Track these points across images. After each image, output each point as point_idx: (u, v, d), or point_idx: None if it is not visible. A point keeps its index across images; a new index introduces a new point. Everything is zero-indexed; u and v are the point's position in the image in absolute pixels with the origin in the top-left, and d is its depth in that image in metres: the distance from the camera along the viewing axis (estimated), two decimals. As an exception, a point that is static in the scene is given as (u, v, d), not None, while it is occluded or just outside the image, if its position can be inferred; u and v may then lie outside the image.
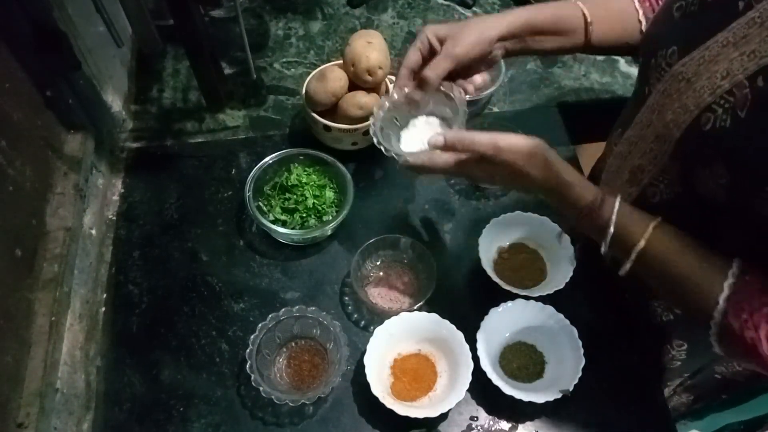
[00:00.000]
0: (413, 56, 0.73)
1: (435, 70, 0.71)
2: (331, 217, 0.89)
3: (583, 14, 0.76)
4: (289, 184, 0.91)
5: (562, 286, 0.82)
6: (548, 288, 0.83)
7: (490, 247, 0.89)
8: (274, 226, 0.86)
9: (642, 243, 0.61)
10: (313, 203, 0.90)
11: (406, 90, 0.75)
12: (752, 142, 0.52)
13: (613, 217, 0.62)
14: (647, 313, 0.82)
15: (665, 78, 0.64)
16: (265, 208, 0.90)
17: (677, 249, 0.61)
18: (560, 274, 0.84)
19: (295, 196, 0.90)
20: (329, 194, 0.92)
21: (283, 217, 0.90)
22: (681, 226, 0.63)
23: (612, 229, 0.62)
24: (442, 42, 0.73)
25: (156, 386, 0.79)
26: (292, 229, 0.88)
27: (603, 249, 0.64)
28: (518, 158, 0.63)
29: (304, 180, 0.91)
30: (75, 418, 0.74)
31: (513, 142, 0.64)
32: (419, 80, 0.73)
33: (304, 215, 0.90)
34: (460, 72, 0.75)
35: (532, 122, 1.06)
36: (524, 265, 0.89)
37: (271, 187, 0.93)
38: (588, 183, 0.65)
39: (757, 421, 0.90)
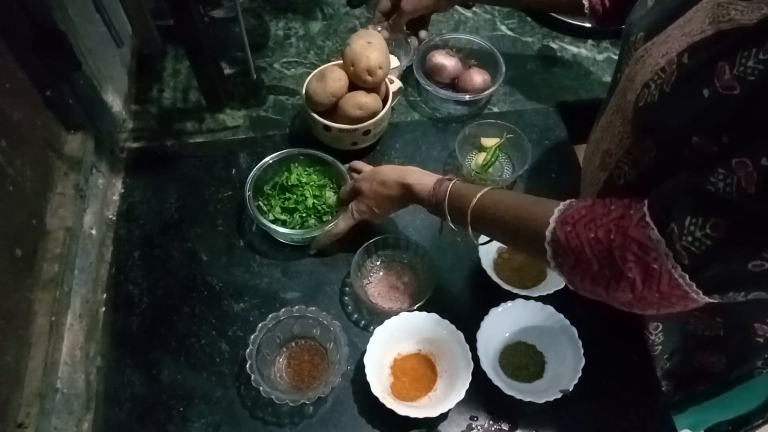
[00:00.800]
0: (384, 3, 1.04)
1: (396, 23, 1.03)
2: (331, 217, 0.89)
3: None
4: (289, 183, 0.91)
5: (561, 286, 0.82)
6: (548, 288, 0.83)
7: (489, 247, 0.89)
8: (273, 226, 0.86)
9: (475, 200, 0.70)
10: (313, 203, 0.90)
11: (379, 29, 1.02)
12: (673, 114, 0.54)
13: (449, 189, 0.74)
14: None
15: (630, 63, 0.66)
16: (264, 208, 0.90)
17: (509, 197, 0.70)
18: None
19: (295, 196, 0.90)
20: (329, 194, 0.92)
21: (282, 217, 0.90)
22: None
23: (447, 198, 0.73)
24: None
25: (156, 386, 0.79)
26: (292, 229, 0.88)
27: (448, 222, 0.75)
28: (368, 180, 0.84)
29: (304, 180, 0.91)
30: (75, 418, 0.74)
31: (363, 172, 0.87)
32: (389, 25, 1.04)
33: (304, 215, 0.90)
34: (418, 20, 1.06)
35: (531, 122, 1.07)
36: (524, 265, 0.89)
37: (271, 186, 0.93)
38: (426, 180, 0.78)
39: (742, 420, 0.90)
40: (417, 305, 0.82)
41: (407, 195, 0.80)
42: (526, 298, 0.82)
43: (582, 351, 0.77)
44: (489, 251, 0.89)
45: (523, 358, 0.81)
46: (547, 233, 0.60)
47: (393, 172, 0.82)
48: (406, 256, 0.89)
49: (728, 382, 0.86)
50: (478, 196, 0.70)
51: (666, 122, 0.55)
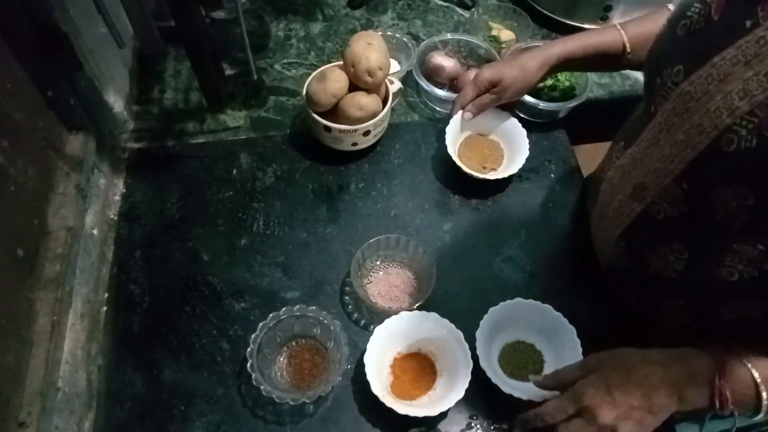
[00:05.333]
0: (468, 95, 0.96)
1: (480, 106, 0.95)
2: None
3: (622, 41, 0.85)
4: None
5: (517, 171, 0.95)
6: (509, 171, 0.95)
7: (456, 137, 1.00)
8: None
9: None
10: None
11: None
12: None
13: (760, 384, 0.60)
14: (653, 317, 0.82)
15: (672, 97, 0.64)
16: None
17: None
18: (518, 159, 0.96)
19: None
20: None
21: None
22: (684, 243, 0.64)
23: (765, 396, 0.59)
24: (493, 84, 0.93)
25: (157, 385, 0.80)
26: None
27: (761, 416, 0.61)
28: (610, 404, 0.63)
29: None
30: (76, 417, 0.74)
31: (589, 377, 0.66)
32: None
33: None
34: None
35: (531, 122, 1.07)
36: (484, 152, 1.01)
37: None
38: (698, 380, 0.62)
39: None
40: (417, 305, 0.82)
41: (682, 406, 0.63)
42: (484, 183, 0.94)
43: (581, 350, 0.78)
44: (456, 140, 0.99)
45: (522, 356, 0.81)
46: None
47: (654, 384, 0.63)
48: (406, 256, 0.89)
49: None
50: None
51: None
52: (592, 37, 0.89)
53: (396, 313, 0.80)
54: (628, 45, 0.85)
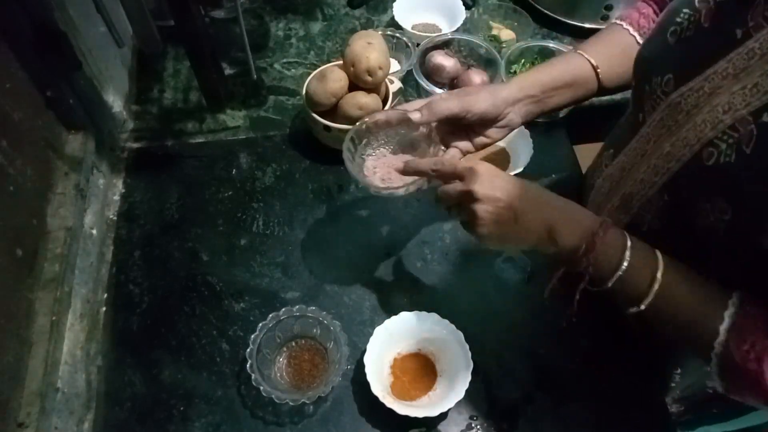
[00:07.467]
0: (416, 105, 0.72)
1: (442, 104, 0.71)
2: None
3: (589, 62, 0.77)
4: None
5: (522, 170, 0.92)
6: (515, 171, 0.93)
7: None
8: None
9: (658, 277, 0.58)
10: None
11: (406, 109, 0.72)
12: (758, 178, 0.51)
13: (628, 249, 0.59)
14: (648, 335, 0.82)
15: (661, 107, 0.63)
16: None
17: (681, 283, 0.59)
18: (522, 159, 0.95)
19: None
20: None
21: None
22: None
23: (626, 264, 0.59)
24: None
25: (156, 386, 0.79)
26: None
27: (609, 284, 0.61)
28: (489, 199, 0.61)
29: None
30: (75, 417, 0.74)
31: (478, 173, 0.62)
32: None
33: None
34: (470, 132, 0.76)
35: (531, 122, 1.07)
36: (490, 158, 1.00)
37: None
38: (575, 227, 0.61)
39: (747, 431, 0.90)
40: (415, 187, 0.72)
41: (547, 241, 0.63)
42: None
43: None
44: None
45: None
46: (716, 345, 0.54)
47: (534, 204, 0.62)
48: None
49: (741, 408, 0.85)
50: (660, 273, 0.58)
51: (749, 185, 0.52)
52: (556, 62, 0.79)
53: (395, 190, 0.72)
54: (593, 61, 0.77)
